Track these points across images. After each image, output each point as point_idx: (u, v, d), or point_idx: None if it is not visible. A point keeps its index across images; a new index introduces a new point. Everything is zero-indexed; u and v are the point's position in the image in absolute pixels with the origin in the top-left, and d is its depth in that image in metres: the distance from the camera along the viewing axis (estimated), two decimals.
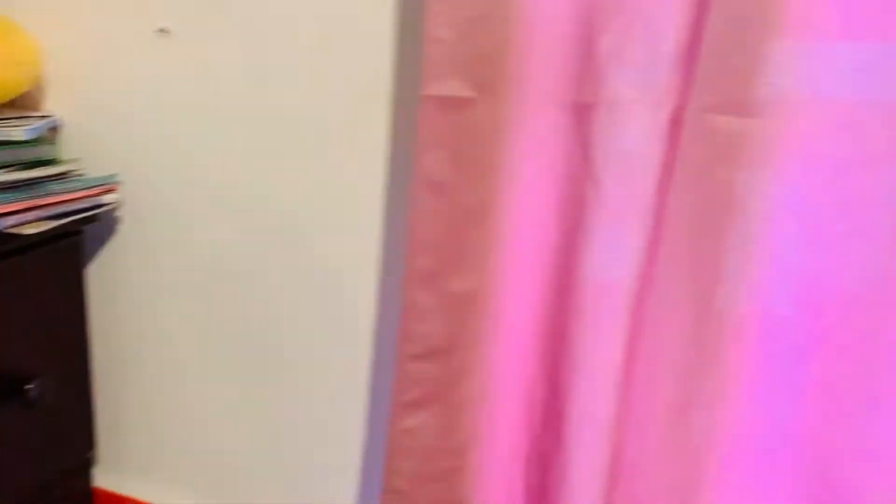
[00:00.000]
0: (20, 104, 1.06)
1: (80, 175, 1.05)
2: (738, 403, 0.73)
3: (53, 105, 1.07)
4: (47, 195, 0.96)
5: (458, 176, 0.82)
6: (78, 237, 1.05)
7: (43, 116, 1.04)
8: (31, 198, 0.94)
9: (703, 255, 0.73)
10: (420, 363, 0.87)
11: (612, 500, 0.79)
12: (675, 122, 0.73)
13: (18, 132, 0.95)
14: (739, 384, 0.73)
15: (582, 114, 0.77)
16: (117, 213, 1.08)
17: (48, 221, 0.96)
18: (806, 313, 0.72)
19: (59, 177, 1.02)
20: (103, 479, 1.22)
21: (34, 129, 0.98)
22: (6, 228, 0.91)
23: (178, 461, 1.16)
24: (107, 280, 1.11)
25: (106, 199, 1.05)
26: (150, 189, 1.05)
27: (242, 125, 0.97)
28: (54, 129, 1.06)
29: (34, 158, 1.01)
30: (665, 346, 0.75)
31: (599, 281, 0.77)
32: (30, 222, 0.94)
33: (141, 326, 1.12)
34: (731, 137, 0.70)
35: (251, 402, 1.08)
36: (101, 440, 1.19)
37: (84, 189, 1.01)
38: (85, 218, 1.01)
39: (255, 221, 1.00)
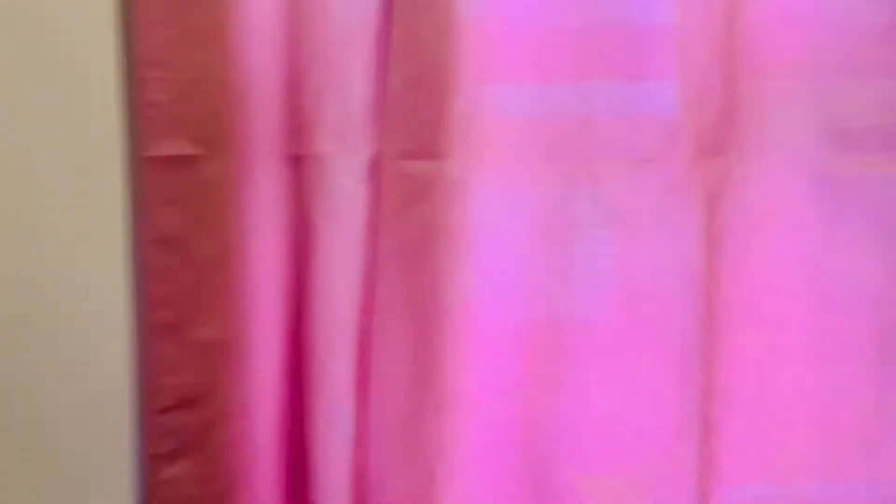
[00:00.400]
0: None
1: None
2: (461, 408, 0.83)
3: None
4: None
5: (191, 230, 0.86)
6: None
7: None
8: None
9: (416, 282, 0.82)
10: (173, 414, 0.89)
11: None
12: (375, 169, 0.82)
13: None
14: (460, 390, 0.83)
15: (297, 165, 0.84)
16: None
17: None
18: (511, 318, 0.84)
19: None
20: None
21: None
22: None
23: None
24: None
25: None
26: None
27: None
28: None
29: None
30: (392, 366, 0.84)
31: (328, 315, 0.84)
32: None
33: None
34: (424, 178, 0.81)
35: (7, 484, 1.04)
36: None
37: None
38: None
39: None
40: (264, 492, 0.91)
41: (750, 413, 0.83)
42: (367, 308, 0.84)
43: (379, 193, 0.82)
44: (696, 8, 0.76)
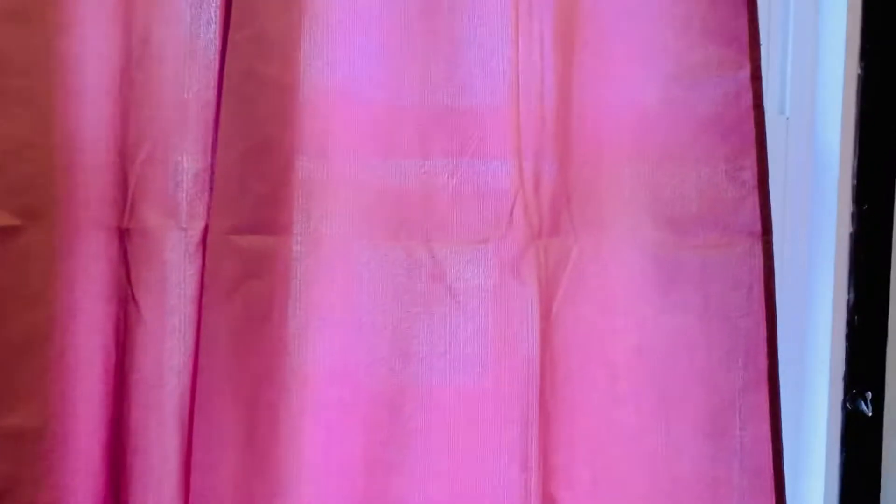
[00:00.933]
0: None
1: None
2: (297, 495, 0.79)
3: None
4: None
5: (3, 308, 0.80)
6: None
7: None
8: None
9: (247, 363, 0.79)
10: None
11: None
12: (205, 244, 0.79)
13: None
14: (295, 476, 0.79)
15: (123, 238, 0.81)
16: None
17: None
18: (350, 395, 0.81)
19: None
20: None
21: None
22: None
23: None
24: None
25: None
26: None
27: None
28: None
29: None
30: (219, 454, 0.79)
31: (151, 401, 0.79)
32: None
33: None
34: (259, 254, 0.79)
35: None
36: None
37: None
38: None
39: None
40: None
41: (589, 489, 0.83)
42: (195, 393, 0.80)
43: (210, 269, 0.79)
44: (530, 93, 0.79)
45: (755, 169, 0.77)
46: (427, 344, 0.80)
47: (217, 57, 0.78)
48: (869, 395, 0.91)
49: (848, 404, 0.92)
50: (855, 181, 0.91)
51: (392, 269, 0.80)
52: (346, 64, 0.79)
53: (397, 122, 0.79)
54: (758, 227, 0.77)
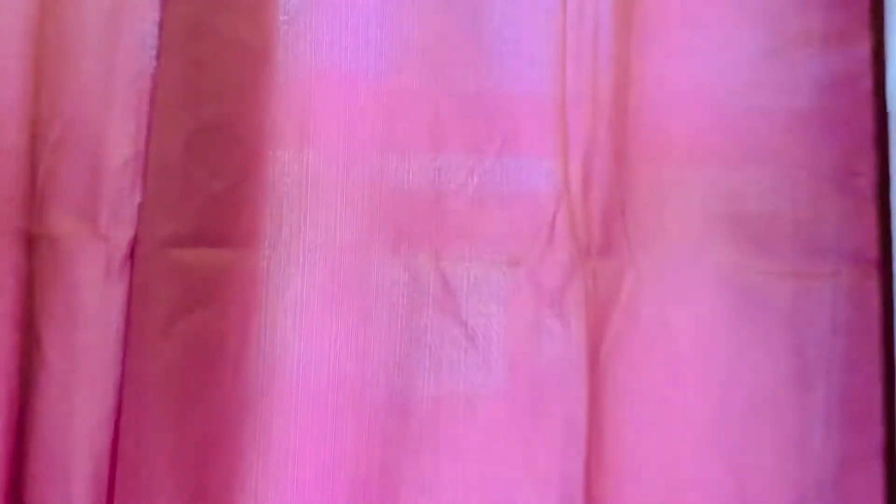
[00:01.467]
0: None
1: None
2: None
3: None
4: None
5: None
6: None
7: None
8: None
9: (186, 424, 0.64)
10: None
11: None
12: (133, 260, 0.66)
13: None
14: None
15: (27, 248, 0.66)
16: None
17: None
18: (324, 470, 0.66)
19: None
20: None
21: None
22: None
23: None
24: None
25: None
26: None
27: None
28: None
29: None
30: None
31: (53, 473, 0.64)
32: None
33: None
34: (208, 274, 0.65)
35: None
36: None
37: None
38: None
39: None
40: None
41: None
42: (115, 462, 0.64)
43: (140, 293, 0.64)
44: (581, 77, 0.67)
45: (873, 176, 0.65)
46: (431, 400, 0.66)
47: (157, 5, 0.65)
48: None
49: None
50: None
51: (388, 294, 0.67)
52: (337, 25, 0.67)
53: (402, 104, 0.67)
54: (874, 252, 0.65)
